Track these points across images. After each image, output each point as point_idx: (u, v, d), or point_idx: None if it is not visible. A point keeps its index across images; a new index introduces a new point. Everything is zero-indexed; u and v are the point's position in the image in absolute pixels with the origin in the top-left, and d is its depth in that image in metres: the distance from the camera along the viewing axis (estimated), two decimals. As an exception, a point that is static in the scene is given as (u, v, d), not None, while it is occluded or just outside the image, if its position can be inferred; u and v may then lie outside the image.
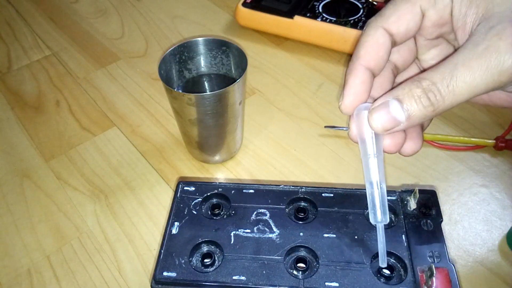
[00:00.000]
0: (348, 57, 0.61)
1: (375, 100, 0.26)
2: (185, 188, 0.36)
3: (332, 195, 0.35)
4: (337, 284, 0.30)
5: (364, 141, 0.27)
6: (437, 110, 0.24)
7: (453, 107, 0.24)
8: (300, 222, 0.33)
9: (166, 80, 0.44)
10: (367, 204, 0.34)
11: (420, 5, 0.26)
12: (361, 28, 0.58)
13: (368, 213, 0.34)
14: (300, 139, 0.51)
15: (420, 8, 0.26)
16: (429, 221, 0.33)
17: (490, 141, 0.48)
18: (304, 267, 0.31)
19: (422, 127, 0.30)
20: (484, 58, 0.22)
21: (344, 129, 0.50)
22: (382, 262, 0.29)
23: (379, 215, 0.28)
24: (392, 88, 0.25)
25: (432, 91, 0.23)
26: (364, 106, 0.27)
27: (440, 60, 0.29)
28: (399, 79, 0.31)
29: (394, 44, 0.27)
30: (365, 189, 0.35)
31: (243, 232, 0.33)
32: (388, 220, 0.28)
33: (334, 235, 0.32)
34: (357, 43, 0.27)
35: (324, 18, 0.60)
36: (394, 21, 0.27)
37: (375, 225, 0.29)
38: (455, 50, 0.25)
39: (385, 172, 0.28)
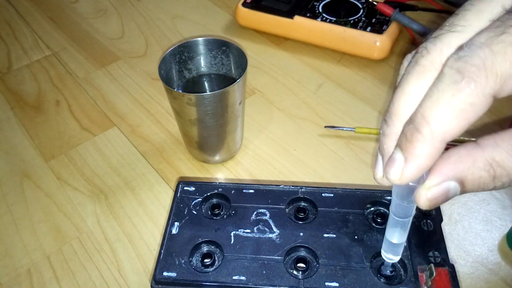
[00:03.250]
0: (348, 57, 0.61)
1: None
2: (185, 188, 0.36)
3: (332, 195, 0.35)
4: (337, 284, 0.30)
5: (401, 199, 0.24)
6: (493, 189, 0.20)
7: None
8: (300, 222, 0.33)
9: (166, 80, 0.44)
10: (367, 204, 0.34)
11: None
12: (361, 28, 0.58)
13: (367, 212, 0.34)
14: (300, 139, 0.51)
15: None
16: (429, 221, 0.33)
17: (490, 141, 0.48)
18: (304, 267, 0.31)
19: None
20: None
21: (344, 129, 0.51)
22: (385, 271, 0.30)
23: (396, 259, 0.28)
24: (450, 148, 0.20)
25: (503, 183, 0.19)
26: None
27: None
28: None
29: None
30: (365, 189, 0.35)
31: (243, 232, 0.33)
32: (398, 259, 0.29)
33: (334, 235, 0.32)
34: (437, 91, 0.19)
35: (324, 18, 0.60)
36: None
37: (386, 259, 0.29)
38: None
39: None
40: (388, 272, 0.30)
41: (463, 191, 0.20)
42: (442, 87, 0.19)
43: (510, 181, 0.19)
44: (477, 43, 0.18)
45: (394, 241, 0.27)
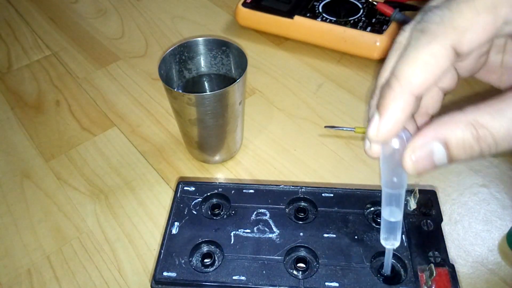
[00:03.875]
0: (348, 57, 0.61)
1: (418, 131, 0.21)
2: (185, 188, 0.36)
3: (332, 195, 0.35)
4: (337, 284, 0.30)
5: (390, 170, 0.24)
6: (482, 157, 0.20)
7: None
8: (300, 222, 0.33)
9: (166, 80, 0.44)
10: (367, 204, 0.34)
11: (505, 15, 0.19)
12: (361, 28, 0.58)
13: (367, 212, 0.34)
14: (300, 139, 0.51)
15: (504, 20, 0.20)
16: (429, 221, 0.33)
17: (490, 141, 0.48)
18: (304, 267, 0.31)
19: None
20: None
21: (344, 129, 0.50)
22: (386, 270, 0.30)
23: (396, 244, 0.28)
24: (433, 118, 0.21)
25: (488, 145, 0.19)
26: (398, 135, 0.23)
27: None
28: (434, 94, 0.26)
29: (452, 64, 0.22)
30: (365, 189, 0.35)
31: (243, 232, 0.33)
32: (398, 244, 0.28)
33: (334, 235, 0.32)
34: (407, 54, 0.21)
35: (324, 18, 0.60)
36: (470, 39, 0.20)
37: (385, 246, 0.28)
38: None
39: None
40: (388, 273, 0.30)
41: (450, 156, 0.20)
42: (409, 47, 0.21)
43: (496, 143, 0.19)
44: (436, 6, 0.21)
45: (391, 219, 0.26)
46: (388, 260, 0.30)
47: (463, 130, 0.20)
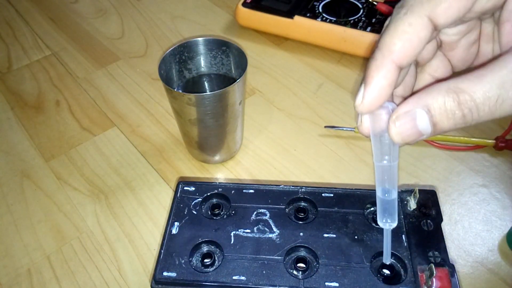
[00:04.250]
0: (348, 57, 0.61)
1: (401, 101, 0.22)
2: (185, 188, 0.36)
3: (332, 195, 0.35)
4: (337, 284, 0.30)
5: (379, 144, 0.25)
6: (467, 125, 0.21)
7: None
8: (300, 222, 0.33)
9: (166, 80, 0.44)
10: (367, 204, 0.34)
11: None
12: (361, 28, 0.58)
13: (367, 212, 0.34)
14: (300, 139, 0.51)
15: None
16: (429, 221, 0.33)
17: (490, 141, 0.48)
18: (304, 267, 0.31)
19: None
20: None
21: (344, 129, 0.51)
22: (386, 259, 0.29)
23: (393, 224, 0.27)
24: (418, 90, 0.22)
25: (470, 109, 0.20)
26: (384, 105, 0.23)
27: (464, 36, 0.25)
28: (424, 69, 0.27)
29: (435, 33, 0.23)
30: (365, 189, 0.35)
31: (243, 232, 0.33)
32: (395, 224, 0.28)
33: (334, 235, 0.32)
34: (388, 27, 0.23)
35: (324, 18, 0.60)
36: (444, 9, 0.21)
37: (383, 226, 0.28)
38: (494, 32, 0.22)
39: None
40: (388, 272, 0.30)
41: (434, 122, 0.21)
42: (390, 22, 0.23)
43: (477, 107, 0.20)
44: None
45: (386, 196, 0.26)
46: (387, 244, 0.29)
47: (444, 96, 0.20)
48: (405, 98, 0.22)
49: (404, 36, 0.22)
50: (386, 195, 0.27)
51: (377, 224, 0.33)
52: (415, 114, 0.21)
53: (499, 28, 0.23)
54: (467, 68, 0.28)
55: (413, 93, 0.23)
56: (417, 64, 0.27)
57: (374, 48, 0.24)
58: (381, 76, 0.22)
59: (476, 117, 0.20)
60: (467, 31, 0.25)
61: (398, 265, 0.31)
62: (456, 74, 0.26)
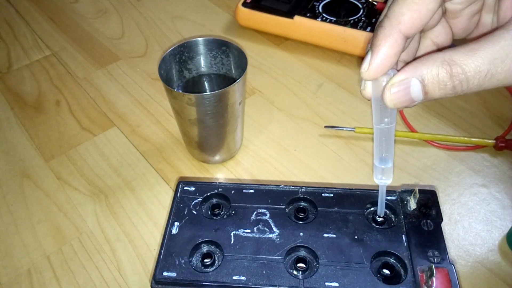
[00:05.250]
0: (348, 57, 0.61)
1: (400, 69, 0.23)
2: (185, 188, 0.36)
3: (332, 195, 0.35)
4: (337, 284, 0.30)
5: (379, 107, 0.26)
6: (456, 95, 0.22)
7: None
8: (300, 222, 0.33)
9: (166, 80, 0.44)
10: (367, 204, 0.34)
11: None
12: (361, 28, 0.58)
13: (367, 212, 0.34)
14: (300, 139, 0.51)
15: None
16: (429, 221, 0.33)
17: (490, 141, 0.48)
18: (304, 267, 0.31)
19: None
20: None
21: (344, 129, 0.51)
22: (381, 211, 0.31)
23: (388, 181, 0.29)
24: (416, 58, 0.23)
25: (460, 81, 0.21)
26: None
27: (468, 6, 0.26)
28: (425, 37, 0.28)
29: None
30: (365, 189, 0.35)
31: (243, 232, 0.33)
32: (390, 181, 0.29)
33: (334, 235, 0.32)
34: None
35: (324, 18, 0.60)
36: None
37: (378, 183, 0.30)
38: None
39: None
40: (388, 272, 0.30)
41: (426, 91, 0.22)
42: None
43: (467, 80, 0.21)
44: None
45: (383, 154, 0.27)
46: (382, 199, 0.30)
47: (438, 67, 0.21)
48: (407, 63, 0.23)
49: (413, 6, 0.22)
50: (383, 167, 0.28)
51: (377, 224, 0.33)
52: (410, 83, 0.22)
53: (499, 1, 0.24)
54: (464, 39, 0.29)
55: (414, 59, 0.24)
56: (421, 31, 0.27)
57: (382, 15, 0.24)
58: (388, 45, 0.23)
59: (465, 88, 0.21)
60: (472, 1, 0.26)
61: (398, 265, 0.31)
62: (456, 41, 0.27)
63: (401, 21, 0.23)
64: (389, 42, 0.23)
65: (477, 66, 0.21)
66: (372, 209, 0.34)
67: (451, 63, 0.21)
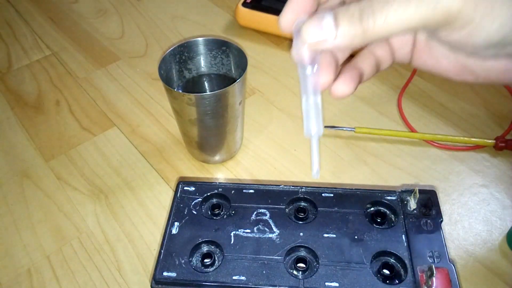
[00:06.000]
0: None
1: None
2: (185, 188, 0.36)
3: (332, 195, 0.35)
4: (337, 284, 0.30)
5: (303, 55, 0.26)
6: (366, 35, 0.23)
7: (384, 38, 0.24)
8: (300, 222, 0.33)
9: (166, 80, 0.44)
10: (367, 204, 0.34)
11: None
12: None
13: (366, 212, 0.34)
14: (300, 139, 0.51)
15: None
16: (429, 221, 0.33)
17: (490, 141, 0.48)
18: (304, 267, 0.31)
19: (360, 78, 0.28)
20: None
21: (344, 129, 0.50)
22: (316, 173, 0.30)
23: (313, 128, 0.28)
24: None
25: (367, 14, 0.22)
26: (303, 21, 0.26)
27: None
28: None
29: None
30: (365, 189, 0.35)
31: (243, 232, 0.33)
32: (322, 131, 0.28)
33: (334, 235, 0.32)
34: None
35: (324, 18, 0.60)
36: None
37: (309, 137, 0.28)
38: None
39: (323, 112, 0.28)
40: (388, 272, 0.30)
41: (337, 26, 0.23)
42: None
43: (373, 12, 0.22)
44: None
45: (306, 102, 0.27)
46: (315, 155, 0.30)
47: (350, 4, 0.23)
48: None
49: None
50: (306, 102, 0.27)
51: (377, 224, 0.33)
52: (323, 16, 0.24)
53: None
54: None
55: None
56: None
57: None
58: None
59: (372, 23, 0.22)
60: None
61: (398, 265, 0.31)
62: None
63: None
64: None
65: (385, 2, 0.22)
66: (372, 209, 0.34)
67: (364, 2, 0.23)
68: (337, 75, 0.27)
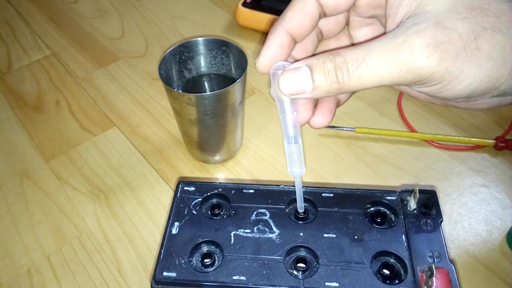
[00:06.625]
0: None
1: (294, 62, 0.26)
2: (185, 188, 0.36)
3: (332, 195, 0.35)
4: (337, 284, 0.30)
5: (282, 100, 0.28)
6: (342, 89, 0.24)
7: (359, 90, 0.24)
8: (300, 222, 0.33)
9: (166, 80, 0.44)
10: (367, 204, 0.34)
11: None
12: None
13: (366, 212, 0.34)
14: (300, 139, 0.51)
15: None
16: (429, 221, 0.33)
17: (490, 141, 0.48)
18: (304, 267, 0.31)
19: (337, 103, 0.30)
20: (397, 51, 0.22)
21: (344, 129, 0.50)
22: (300, 208, 0.32)
23: (296, 168, 0.30)
24: (313, 55, 0.26)
25: (341, 70, 0.23)
26: (281, 65, 0.27)
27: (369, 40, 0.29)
28: (327, 45, 0.31)
29: (323, 15, 0.28)
30: (365, 189, 0.35)
31: (243, 232, 0.33)
32: (304, 171, 0.30)
33: (334, 235, 0.32)
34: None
35: (324, 18, 0.60)
36: None
37: (292, 175, 0.30)
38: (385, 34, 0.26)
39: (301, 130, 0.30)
40: (388, 272, 0.30)
41: (314, 81, 0.24)
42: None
43: (348, 69, 0.23)
44: None
45: (289, 134, 0.30)
46: (299, 192, 0.32)
47: (325, 57, 0.24)
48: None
49: (293, 8, 0.27)
50: (288, 144, 0.30)
51: (377, 224, 0.33)
52: (300, 69, 0.25)
53: (386, 19, 0.26)
54: None
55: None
56: (322, 37, 0.31)
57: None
58: (273, 37, 0.27)
59: (347, 78, 0.23)
60: (373, 35, 0.29)
61: (398, 265, 0.31)
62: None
63: (284, 19, 0.27)
64: (273, 35, 0.27)
65: (355, 53, 0.23)
66: (372, 209, 0.34)
67: (335, 54, 0.24)
68: (315, 106, 0.29)
